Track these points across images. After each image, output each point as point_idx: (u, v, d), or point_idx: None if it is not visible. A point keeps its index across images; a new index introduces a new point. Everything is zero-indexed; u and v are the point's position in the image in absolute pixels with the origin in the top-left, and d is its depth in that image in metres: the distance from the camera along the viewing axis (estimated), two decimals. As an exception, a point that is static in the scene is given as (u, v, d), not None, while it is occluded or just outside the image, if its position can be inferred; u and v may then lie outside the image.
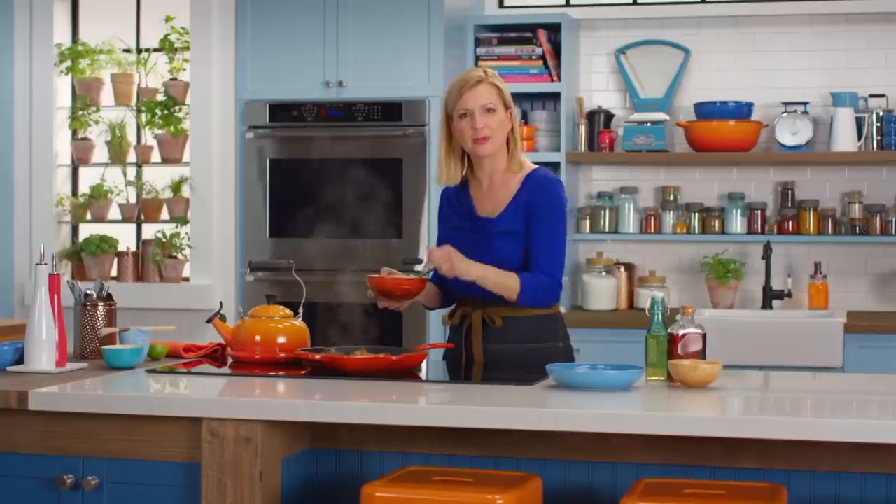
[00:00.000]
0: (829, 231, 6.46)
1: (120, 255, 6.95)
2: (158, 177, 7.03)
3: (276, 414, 3.44)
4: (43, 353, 3.89)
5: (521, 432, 3.50)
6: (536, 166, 4.24)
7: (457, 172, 4.21)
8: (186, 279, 6.89)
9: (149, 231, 7.05)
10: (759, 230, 6.54)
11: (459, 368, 4.13)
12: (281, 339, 4.12)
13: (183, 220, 6.88)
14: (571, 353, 4.26)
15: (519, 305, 4.08)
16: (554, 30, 6.60)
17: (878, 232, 6.41)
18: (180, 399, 3.57)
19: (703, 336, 3.76)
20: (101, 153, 7.09)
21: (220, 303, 4.43)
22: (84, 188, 7.10)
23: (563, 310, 4.32)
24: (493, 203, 4.18)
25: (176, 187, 6.92)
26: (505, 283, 4.06)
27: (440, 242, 4.26)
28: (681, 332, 3.74)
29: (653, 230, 6.67)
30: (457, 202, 4.25)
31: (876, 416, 3.35)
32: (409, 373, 3.93)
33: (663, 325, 3.76)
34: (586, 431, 3.36)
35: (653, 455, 3.49)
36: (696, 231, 6.62)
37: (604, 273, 6.60)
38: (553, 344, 4.18)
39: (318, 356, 3.92)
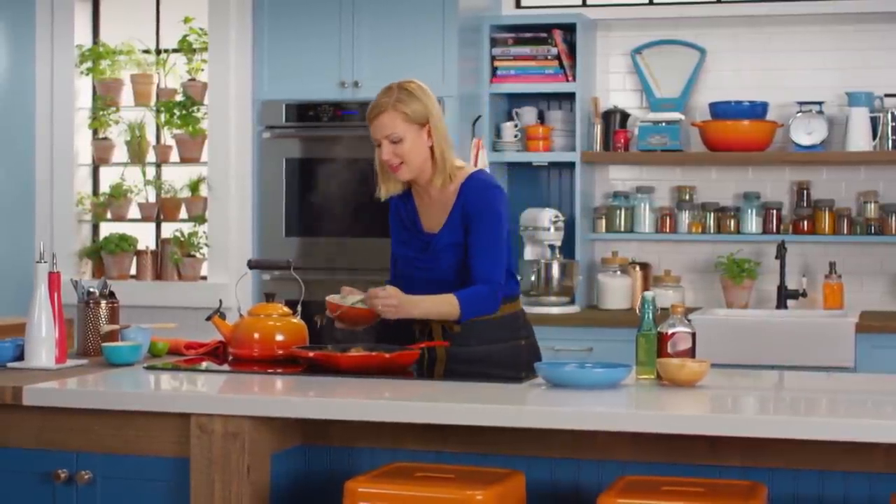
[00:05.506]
0: (845, 231, 6.45)
1: (139, 253, 7.03)
2: (177, 176, 7.10)
3: (262, 410, 3.49)
4: (42, 349, 3.95)
5: (510, 429, 3.52)
6: (474, 170, 4.21)
7: (396, 185, 4.20)
8: (204, 278, 6.96)
9: (167, 230, 7.12)
10: (775, 230, 6.52)
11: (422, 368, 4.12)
12: (279, 337, 4.17)
13: (201, 220, 6.94)
14: (537, 349, 4.27)
15: (462, 322, 4.09)
16: (570, 30, 6.61)
17: (893, 232, 6.38)
18: (170, 395, 3.63)
19: (693, 335, 3.78)
20: (120, 153, 7.17)
21: (220, 300, 4.47)
22: (104, 187, 7.17)
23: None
24: (434, 217, 4.19)
25: (194, 187, 6.99)
26: (444, 311, 4.07)
27: (393, 258, 4.31)
28: (670, 331, 3.77)
29: (668, 230, 6.67)
30: (405, 215, 4.26)
31: (861, 415, 3.35)
32: (403, 370, 3.96)
33: (653, 324, 3.78)
34: (572, 429, 3.39)
35: (638, 453, 3.51)
36: (712, 231, 6.61)
37: (619, 272, 6.61)
38: (515, 343, 4.20)
39: (311, 354, 3.96)
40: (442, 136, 4.12)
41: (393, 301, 4.00)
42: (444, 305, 4.06)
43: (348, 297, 4.10)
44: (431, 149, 4.11)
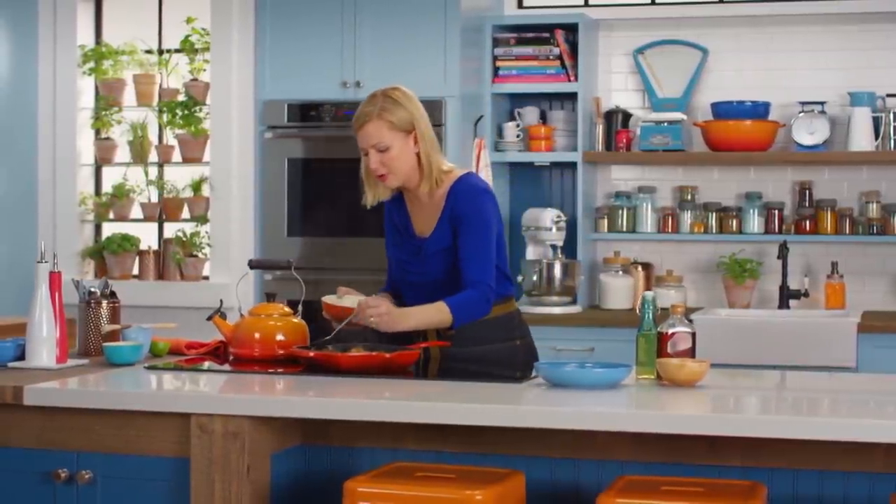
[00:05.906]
0: (847, 231, 6.44)
1: (141, 253, 7.04)
2: (179, 176, 7.11)
3: (262, 410, 3.49)
4: (43, 349, 3.96)
5: (510, 429, 3.53)
6: (462, 173, 4.19)
7: (385, 191, 4.21)
8: (206, 278, 6.97)
9: (170, 230, 7.13)
10: (777, 230, 6.52)
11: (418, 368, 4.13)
12: (279, 337, 4.17)
13: (203, 220, 6.95)
14: (533, 349, 4.27)
15: (456, 328, 4.08)
16: (572, 30, 6.61)
17: (895, 232, 6.38)
18: (170, 395, 3.63)
19: (693, 335, 3.78)
20: (123, 153, 7.17)
21: (221, 300, 4.47)
22: (107, 187, 7.18)
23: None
24: (425, 221, 4.19)
25: (196, 187, 7.00)
26: (437, 320, 4.05)
27: (389, 261, 4.31)
28: (670, 331, 3.77)
29: (670, 230, 6.67)
30: (397, 219, 4.26)
31: (862, 415, 3.35)
32: (403, 370, 3.96)
33: (653, 324, 3.78)
34: (572, 429, 3.39)
35: (638, 453, 3.51)
36: (714, 231, 6.61)
37: (621, 272, 6.60)
38: (511, 343, 4.20)
39: (311, 353, 3.96)
40: (428, 141, 4.11)
41: (382, 310, 4.00)
42: (435, 315, 4.05)
43: (344, 298, 4.10)
44: (418, 155, 4.11)
